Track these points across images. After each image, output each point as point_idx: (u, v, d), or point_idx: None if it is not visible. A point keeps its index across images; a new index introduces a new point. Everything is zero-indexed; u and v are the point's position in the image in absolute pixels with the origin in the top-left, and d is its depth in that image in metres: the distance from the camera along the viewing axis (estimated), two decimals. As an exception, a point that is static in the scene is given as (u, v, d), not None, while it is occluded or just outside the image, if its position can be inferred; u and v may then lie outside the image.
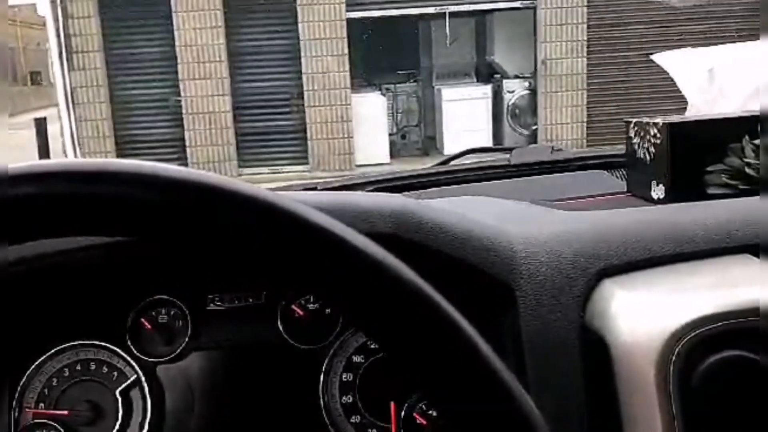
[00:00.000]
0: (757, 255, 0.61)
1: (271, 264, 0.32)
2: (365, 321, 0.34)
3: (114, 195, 0.32)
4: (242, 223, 0.32)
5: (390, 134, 9.45)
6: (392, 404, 0.69)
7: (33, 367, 0.73)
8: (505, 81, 9.37)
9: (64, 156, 8.77)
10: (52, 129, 8.92)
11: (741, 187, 0.79)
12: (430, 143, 9.84)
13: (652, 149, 0.85)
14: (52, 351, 0.73)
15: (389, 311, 0.33)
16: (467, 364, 0.33)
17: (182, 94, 8.80)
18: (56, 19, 8.55)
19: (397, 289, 0.33)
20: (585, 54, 9.00)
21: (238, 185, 0.32)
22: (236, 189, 0.32)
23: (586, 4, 8.88)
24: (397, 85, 9.78)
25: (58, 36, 8.55)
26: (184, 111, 8.85)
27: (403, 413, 0.69)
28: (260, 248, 0.32)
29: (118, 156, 9.03)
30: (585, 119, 9.14)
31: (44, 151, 8.78)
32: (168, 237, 0.32)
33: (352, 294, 0.33)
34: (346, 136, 9.00)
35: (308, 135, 9.00)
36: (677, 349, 0.53)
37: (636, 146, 0.89)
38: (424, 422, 0.69)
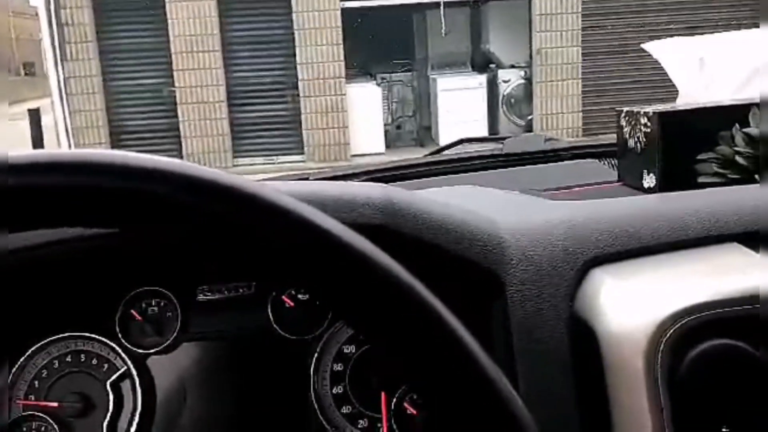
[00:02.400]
0: (746, 243, 0.61)
1: (253, 256, 0.32)
2: (349, 312, 0.34)
3: (101, 186, 0.32)
4: (224, 215, 0.31)
5: (385, 124, 9.44)
6: (383, 394, 0.70)
7: (23, 359, 0.73)
8: (500, 71, 9.36)
9: (58, 147, 8.74)
10: (45, 120, 8.88)
11: (731, 175, 0.79)
12: (426, 133, 9.83)
13: (642, 138, 0.85)
14: (42, 343, 0.73)
15: (372, 303, 0.33)
16: (450, 356, 0.33)
17: (176, 84, 8.77)
18: (49, 9, 8.50)
19: (380, 281, 0.33)
20: (580, 43, 8.99)
21: (220, 175, 0.32)
22: (217, 180, 0.32)
23: (580, -7, 8.87)
24: (393, 75, 9.77)
25: (51, 26, 8.51)
26: (178, 101, 8.83)
27: (393, 403, 0.69)
28: (242, 240, 0.32)
29: (112, 147, 9.01)
30: (580, 108, 9.14)
31: (38, 142, 8.75)
32: (150, 228, 0.32)
33: (335, 285, 0.33)
34: (341, 126, 8.99)
35: (303, 125, 8.99)
36: (665, 339, 0.53)
37: (627, 135, 0.89)
38: (415, 412, 0.69)
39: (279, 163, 8.92)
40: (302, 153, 9.08)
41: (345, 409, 0.72)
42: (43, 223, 0.33)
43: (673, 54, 0.98)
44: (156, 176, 0.31)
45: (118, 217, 0.32)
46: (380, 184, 0.68)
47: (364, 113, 9.01)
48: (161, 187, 0.31)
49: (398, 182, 1.11)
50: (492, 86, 9.34)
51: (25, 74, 22.18)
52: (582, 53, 9.02)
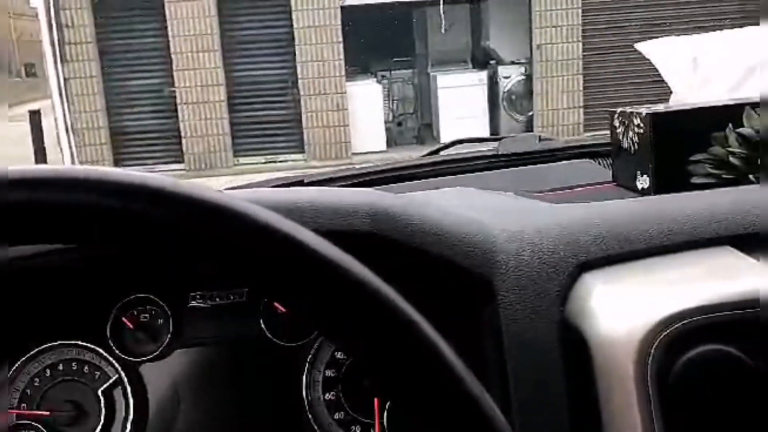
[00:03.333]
0: (738, 246, 0.61)
1: (226, 269, 0.32)
2: (323, 325, 0.33)
3: (87, 203, 0.32)
4: (185, 226, 0.31)
5: (386, 122, 9.43)
6: (375, 400, 0.69)
7: (15, 368, 0.73)
8: (500, 67, 9.34)
9: (59, 147, 8.75)
10: (46, 121, 8.89)
11: (725, 176, 0.79)
12: (427, 130, 9.83)
13: (636, 139, 0.85)
14: (34, 351, 0.73)
15: (348, 317, 0.32)
16: (426, 366, 0.32)
17: (176, 84, 8.77)
18: (48, 11, 8.50)
19: (356, 294, 0.32)
20: (580, 39, 8.98)
21: (181, 186, 0.32)
22: (177, 190, 0.31)
23: (580, -12, 8.86)
24: (393, 73, 9.76)
25: (51, 27, 8.51)
26: (178, 101, 8.83)
27: (386, 409, 0.69)
28: (214, 253, 0.31)
29: (113, 148, 9.02)
30: (581, 104, 9.13)
31: (39, 144, 8.76)
32: (122, 244, 0.32)
33: (309, 299, 0.32)
34: (341, 124, 8.98)
35: (304, 124, 8.98)
36: (656, 343, 0.52)
37: (620, 136, 0.89)
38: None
39: (280, 162, 8.92)
40: (303, 152, 9.08)
41: (338, 415, 0.72)
42: (39, 238, 0.33)
43: (665, 54, 0.98)
44: (124, 192, 0.31)
45: (87, 234, 0.32)
46: (371, 189, 0.68)
47: (365, 111, 9.01)
48: (131, 203, 0.31)
49: (393, 184, 1.11)
50: (492, 83, 9.32)
51: (26, 75, 22.19)
52: (583, 49, 9.01)
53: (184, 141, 8.93)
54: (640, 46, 1.00)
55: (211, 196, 0.31)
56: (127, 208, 0.31)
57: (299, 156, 9.06)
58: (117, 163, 9.01)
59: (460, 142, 1.34)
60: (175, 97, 8.83)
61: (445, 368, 0.32)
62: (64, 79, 8.63)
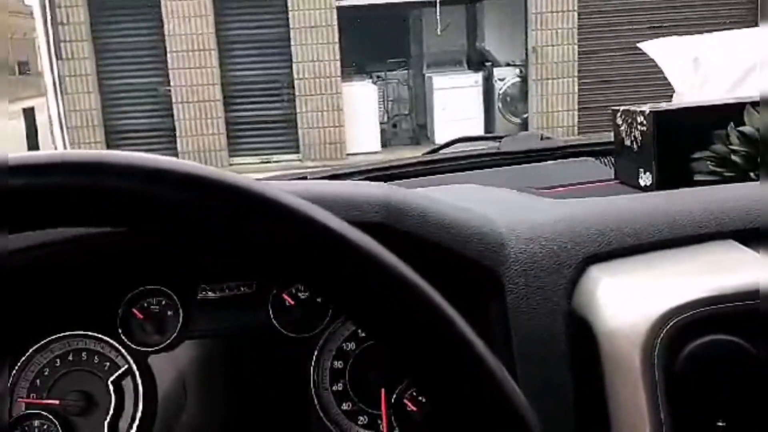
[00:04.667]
0: (741, 240, 0.62)
1: (258, 254, 0.33)
2: (352, 309, 0.34)
3: (110, 187, 0.32)
4: (231, 213, 0.32)
5: (381, 123, 9.44)
6: (382, 391, 0.70)
7: (25, 357, 0.73)
8: (496, 69, 9.37)
9: (53, 146, 8.72)
10: (40, 119, 8.86)
11: (726, 173, 0.80)
12: (421, 132, 9.84)
13: (639, 137, 0.86)
14: (44, 341, 0.73)
15: (376, 299, 0.33)
16: (454, 351, 0.33)
17: (171, 83, 8.76)
18: (43, 8, 8.47)
19: (384, 278, 0.33)
20: (576, 41, 9.00)
21: (226, 175, 0.33)
22: (223, 179, 0.32)
23: (576, -9, 8.88)
24: (388, 74, 9.77)
25: (46, 25, 8.49)
26: (173, 100, 8.82)
27: (393, 400, 0.70)
28: (248, 239, 0.32)
29: (108, 146, 8.99)
30: (576, 107, 9.15)
31: (33, 141, 8.73)
32: (157, 227, 0.33)
33: (339, 283, 0.33)
34: (336, 125, 8.98)
35: (299, 124, 8.98)
36: (661, 335, 0.54)
37: (623, 134, 0.90)
38: (414, 408, 0.69)
39: (275, 162, 8.91)
40: (298, 152, 9.08)
41: (345, 406, 0.72)
42: (43, 223, 0.33)
43: (668, 53, 0.99)
44: (160, 176, 0.32)
45: (124, 217, 0.33)
46: (379, 183, 0.69)
47: (360, 112, 9.01)
48: (166, 187, 0.32)
49: (396, 181, 1.12)
50: (488, 84, 9.34)
51: (20, 73, 22.10)
52: (578, 51, 9.03)
53: (179, 140, 8.92)
54: (643, 46, 1.02)
55: (275, 192, 0.33)
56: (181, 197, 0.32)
57: (294, 156, 9.06)
58: (111, 161, 8.96)
59: (462, 140, 1.35)
60: (170, 96, 8.82)
61: (474, 357, 0.33)
62: (59, 77, 8.61)
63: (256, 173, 7.78)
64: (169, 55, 8.70)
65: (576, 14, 8.93)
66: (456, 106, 9.02)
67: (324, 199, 0.60)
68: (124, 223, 0.33)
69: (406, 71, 9.93)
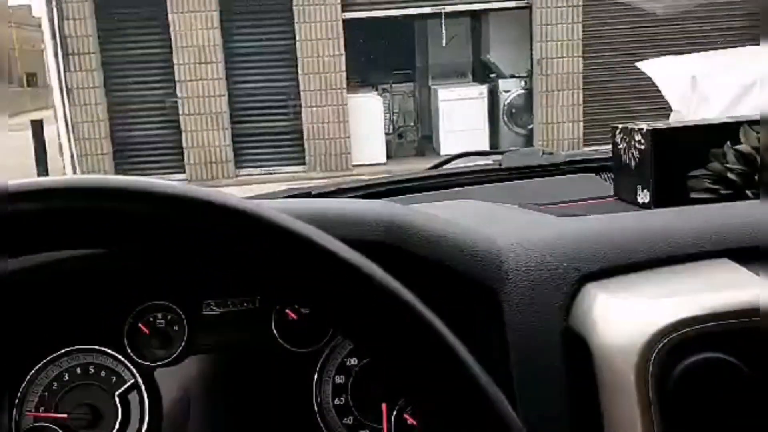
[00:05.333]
0: (736, 259, 0.63)
1: (256, 274, 0.34)
2: (348, 328, 0.35)
3: (107, 210, 0.34)
4: (228, 235, 0.33)
5: (386, 134, 9.47)
6: (384, 406, 0.71)
7: (33, 371, 0.75)
8: (501, 80, 9.39)
9: (61, 158, 8.77)
10: (48, 131, 8.92)
11: (723, 191, 0.81)
12: (427, 143, 9.86)
13: (637, 154, 0.87)
14: (53, 356, 0.75)
15: (371, 319, 0.34)
16: (447, 371, 0.34)
17: (179, 95, 8.81)
18: (52, 21, 8.55)
19: (380, 298, 0.35)
20: (581, 53, 9.03)
21: (224, 197, 0.34)
22: (221, 201, 0.34)
23: (581, 3, 8.91)
24: (394, 85, 9.80)
25: (54, 37, 8.55)
26: (180, 112, 8.86)
27: (394, 414, 0.71)
28: (244, 259, 0.34)
29: (115, 158, 9.04)
30: (581, 118, 9.16)
31: (41, 153, 8.78)
32: (156, 248, 0.34)
33: (334, 302, 0.34)
34: (342, 136, 9.01)
35: (305, 135, 9.02)
36: (656, 352, 0.55)
37: (622, 151, 0.91)
38: (415, 422, 0.70)
39: (281, 173, 8.94)
40: (304, 163, 9.11)
41: (347, 420, 0.74)
42: (61, 245, 0.35)
43: (665, 72, 1.01)
44: (162, 199, 0.33)
45: (136, 239, 0.34)
46: (381, 200, 0.70)
47: (366, 123, 9.04)
48: (168, 210, 0.33)
49: (399, 196, 1.13)
50: (493, 96, 9.37)
51: (27, 85, 22.25)
52: (583, 64, 9.05)
53: (185, 151, 8.96)
54: (641, 65, 1.03)
55: (274, 215, 0.34)
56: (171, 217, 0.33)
57: (300, 167, 9.08)
58: (118, 173, 9.04)
59: (465, 155, 1.37)
60: (177, 107, 8.87)
61: (463, 370, 0.34)
62: (67, 89, 8.67)
63: (262, 184, 7.81)
64: (176, 67, 8.76)
65: (581, 26, 8.96)
66: (461, 118, 9.04)
67: (324, 218, 0.61)
68: (120, 244, 0.34)
69: (411, 83, 9.96)
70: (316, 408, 0.74)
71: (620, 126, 0.91)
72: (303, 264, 0.34)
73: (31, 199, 0.34)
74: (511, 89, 9.34)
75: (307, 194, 1.17)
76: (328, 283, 0.34)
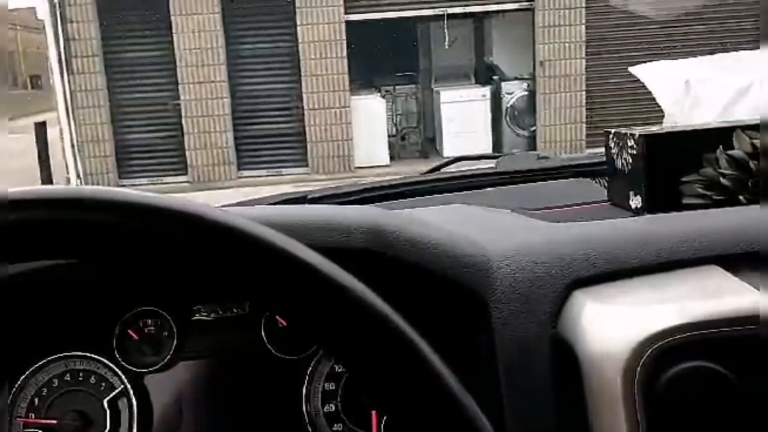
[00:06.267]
0: (725, 266, 0.63)
1: (229, 284, 0.34)
2: (322, 338, 0.35)
3: (73, 222, 0.34)
4: (196, 246, 0.33)
5: (389, 136, 9.47)
6: (373, 413, 0.71)
7: (23, 377, 0.75)
8: (503, 82, 9.39)
9: (64, 160, 8.79)
10: (51, 133, 8.93)
11: (716, 197, 0.81)
12: (430, 145, 9.86)
13: (629, 160, 0.87)
14: (42, 362, 0.75)
15: (345, 330, 0.34)
16: (418, 379, 0.34)
17: (181, 97, 8.83)
18: (55, 23, 8.57)
19: (354, 310, 0.34)
20: (584, 55, 9.02)
21: (194, 207, 0.34)
22: (189, 211, 0.33)
23: (584, 5, 8.90)
24: (397, 87, 9.80)
25: (57, 40, 8.58)
26: (183, 114, 8.88)
27: (384, 421, 0.71)
28: (215, 269, 0.34)
29: (118, 160, 9.06)
30: (584, 120, 9.16)
31: (44, 156, 8.80)
32: (127, 259, 0.34)
33: (308, 313, 0.34)
34: (345, 138, 9.02)
35: (307, 137, 9.03)
36: (643, 359, 0.54)
37: (615, 156, 0.91)
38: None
39: (283, 175, 8.95)
40: (306, 165, 9.11)
41: (336, 427, 0.73)
42: (41, 255, 0.35)
43: (659, 77, 1.00)
44: (129, 209, 0.33)
45: (108, 251, 0.34)
46: (369, 207, 0.70)
47: (369, 125, 9.04)
48: (134, 219, 0.33)
49: (394, 200, 1.13)
50: (495, 98, 9.37)
51: (31, 87, 22.32)
52: (585, 65, 9.05)
53: (188, 153, 8.97)
54: (633, 70, 1.03)
55: (218, 216, 0.34)
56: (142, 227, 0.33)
57: (303, 169, 9.09)
58: (121, 175, 9.06)
59: (460, 159, 1.37)
60: (179, 110, 8.88)
61: (434, 378, 0.34)
62: (70, 92, 8.69)
63: (265, 186, 7.82)
64: (178, 69, 8.78)
65: (584, 28, 8.95)
66: (464, 120, 9.04)
67: (308, 225, 0.61)
68: (92, 254, 0.34)
69: (414, 85, 9.96)
70: (305, 415, 0.74)
71: (613, 131, 0.91)
72: (275, 275, 0.34)
73: (8, 209, 0.34)
74: (513, 91, 9.34)
75: (303, 198, 1.17)
76: (301, 293, 0.34)
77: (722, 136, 0.82)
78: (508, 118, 9.38)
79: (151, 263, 0.35)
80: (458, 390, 0.34)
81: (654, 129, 0.86)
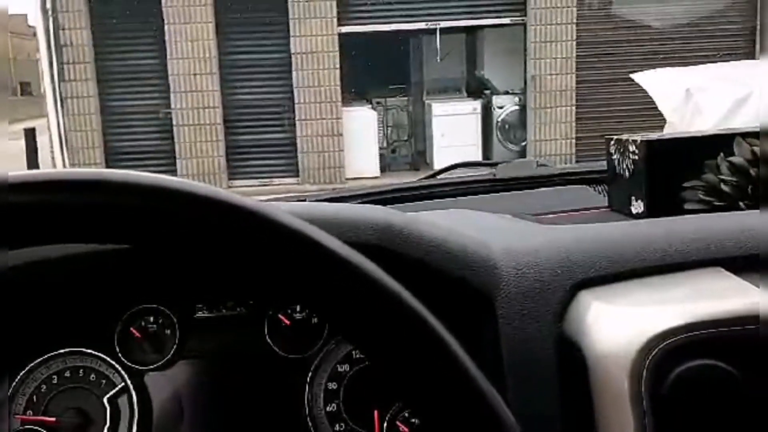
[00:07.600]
0: (728, 268, 0.63)
1: (260, 273, 0.34)
2: (349, 329, 0.35)
3: (110, 204, 0.34)
4: (234, 233, 0.33)
5: (380, 148, 9.49)
6: (376, 412, 0.71)
7: (22, 374, 0.74)
8: (494, 96, 9.44)
9: (54, 167, 8.74)
10: (41, 140, 8.89)
11: (716, 203, 0.81)
12: (420, 157, 9.89)
13: (631, 166, 0.88)
14: (42, 358, 0.74)
15: (373, 320, 0.34)
16: (447, 374, 0.34)
17: (173, 106, 8.81)
18: (47, 30, 8.54)
19: (382, 300, 0.34)
20: (574, 70, 9.09)
21: (227, 195, 0.34)
22: (225, 199, 0.34)
23: (575, 21, 8.98)
24: (388, 100, 9.83)
25: (49, 47, 8.55)
26: (174, 123, 8.86)
27: (386, 421, 0.71)
28: (250, 257, 0.34)
29: (108, 167, 9.01)
30: (574, 135, 9.21)
31: (33, 162, 8.75)
32: (160, 245, 0.34)
33: (336, 303, 0.34)
34: (336, 149, 9.03)
35: (298, 148, 9.02)
36: (649, 359, 0.55)
37: (616, 162, 0.92)
38: (407, 430, 0.70)
39: (274, 185, 8.94)
40: (297, 176, 9.11)
41: (338, 427, 0.73)
42: (63, 238, 0.34)
43: (660, 84, 1.01)
44: (168, 195, 0.33)
45: (139, 235, 0.34)
46: (378, 206, 0.70)
47: (360, 137, 9.06)
48: (173, 205, 0.33)
49: (393, 205, 1.13)
50: (486, 112, 9.41)
51: (21, 94, 22.21)
52: (576, 80, 9.11)
53: (179, 162, 8.95)
54: (635, 77, 1.04)
55: (280, 214, 0.34)
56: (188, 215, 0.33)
57: (293, 180, 9.08)
58: (111, 182, 8.99)
59: (460, 165, 1.37)
60: (171, 118, 8.86)
61: (461, 371, 0.34)
62: (61, 98, 8.66)
63: (256, 196, 7.79)
64: (170, 77, 8.77)
65: (575, 44, 9.02)
66: (455, 133, 9.07)
67: (322, 220, 0.61)
68: (124, 239, 0.34)
69: (405, 98, 10.00)
70: (307, 414, 0.73)
71: (615, 137, 0.92)
72: (304, 263, 0.34)
73: (30, 190, 0.34)
74: (504, 105, 9.39)
75: (302, 202, 1.17)
76: (331, 282, 0.34)
77: (723, 142, 0.83)
78: (498, 132, 9.42)
79: (178, 250, 0.35)
80: (487, 387, 0.34)
81: (655, 135, 0.87)
